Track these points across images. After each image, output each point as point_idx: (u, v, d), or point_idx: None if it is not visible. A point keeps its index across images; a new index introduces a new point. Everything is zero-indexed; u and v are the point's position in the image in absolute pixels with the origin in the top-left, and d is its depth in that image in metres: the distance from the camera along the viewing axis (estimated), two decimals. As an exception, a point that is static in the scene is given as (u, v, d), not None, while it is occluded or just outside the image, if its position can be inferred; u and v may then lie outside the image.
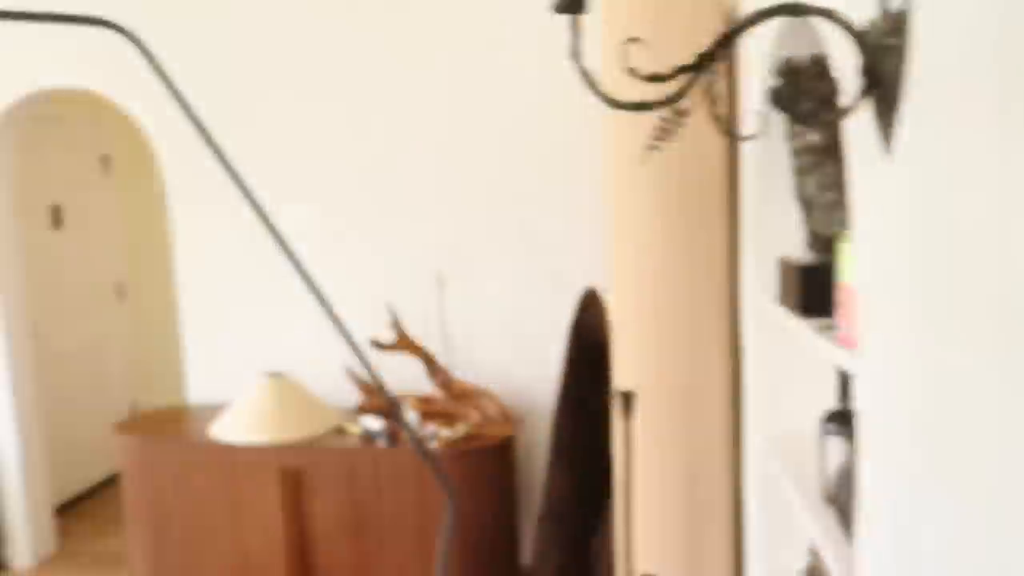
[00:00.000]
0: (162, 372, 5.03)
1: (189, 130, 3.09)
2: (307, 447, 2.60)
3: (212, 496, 2.70)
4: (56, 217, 4.10)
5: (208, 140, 1.31)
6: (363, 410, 2.85)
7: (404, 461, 2.56)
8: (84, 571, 3.49)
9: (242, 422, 2.77)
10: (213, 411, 3.11)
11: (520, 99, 2.81)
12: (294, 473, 2.61)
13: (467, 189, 2.88)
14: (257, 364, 3.14)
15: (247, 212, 3.07)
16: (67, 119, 4.17)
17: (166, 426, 2.93)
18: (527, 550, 2.94)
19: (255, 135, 3.01)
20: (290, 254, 1.39)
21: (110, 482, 4.57)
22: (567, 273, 2.85)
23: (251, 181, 2.50)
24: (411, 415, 2.65)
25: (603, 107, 0.91)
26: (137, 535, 2.82)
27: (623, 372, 1.85)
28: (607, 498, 2.09)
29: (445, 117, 2.86)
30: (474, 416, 2.68)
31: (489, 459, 2.59)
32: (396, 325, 2.72)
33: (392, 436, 2.59)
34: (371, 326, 2.97)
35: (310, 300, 3.05)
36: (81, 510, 4.18)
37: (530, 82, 2.79)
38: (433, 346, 2.82)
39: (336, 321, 1.37)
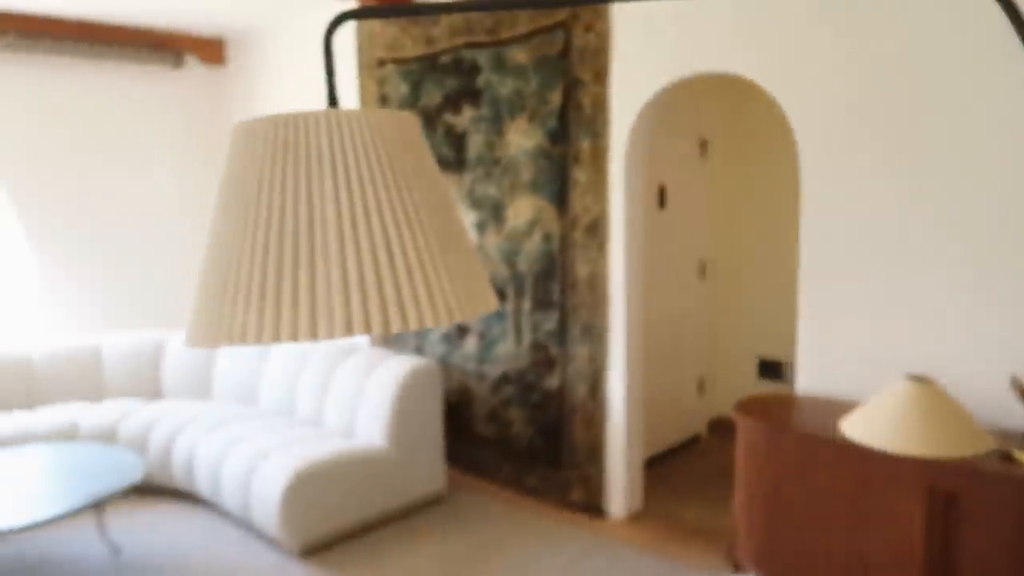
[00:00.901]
0: (729, 351, 5.13)
1: (831, 111, 2.92)
2: (964, 469, 2.23)
3: (834, 495, 2.52)
4: (662, 197, 4.40)
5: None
6: (1034, 437, 2.35)
7: (1106, 514, 2.00)
8: (667, 534, 3.69)
9: (879, 426, 2.52)
10: (823, 404, 2.94)
11: None
12: (945, 496, 2.26)
13: None
14: (878, 361, 2.86)
15: (891, 187, 2.79)
16: (674, 105, 4.43)
17: (779, 412, 2.84)
18: None
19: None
20: None
21: (679, 449, 4.83)
22: None
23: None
24: (1119, 457, 2.07)
25: None
26: (747, 514, 2.80)
27: None
28: None
29: None
30: None
31: None
32: (1101, 340, 2.15)
33: (1092, 479, 2.05)
34: None
35: (963, 298, 2.64)
36: (656, 472, 4.47)
37: None
38: None
39: None
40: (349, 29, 4.82)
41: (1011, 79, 2.48)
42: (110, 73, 5.54)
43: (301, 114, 0.94)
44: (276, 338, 0.89)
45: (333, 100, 1.00)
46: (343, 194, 0.93)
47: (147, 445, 4.17)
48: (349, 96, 4.87)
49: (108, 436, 4.24)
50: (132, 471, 3.40)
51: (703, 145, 4.74)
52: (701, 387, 5.02)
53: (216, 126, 6.13)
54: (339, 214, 0.93)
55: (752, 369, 5.05)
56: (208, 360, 4.75)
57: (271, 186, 0.94)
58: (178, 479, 4.07)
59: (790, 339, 4.75)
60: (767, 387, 4.94)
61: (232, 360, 4.68)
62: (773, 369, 4.95)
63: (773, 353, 4.93)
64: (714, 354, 5.15)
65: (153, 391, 4.76)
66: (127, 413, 4.36)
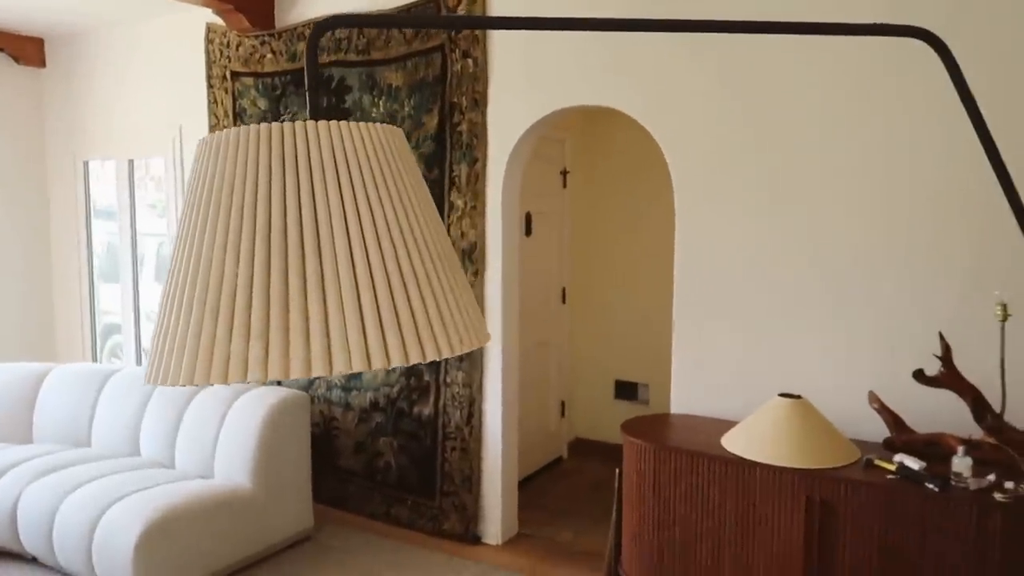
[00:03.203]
0: (587, 374, 5.28)
1: (699, 144, 3.11)
2: (837, 478, 2.43)
3: (721, 510, 2.65)
4: (528, 224, 4.47)
5: (991, 151, 1.17)
6: (890, 445, 2.60)
7: (956, 509, 2.25)
8: (544, 557, 3.70)
9: (759, 441, 2.68)
10: (700, 422, 3.09)
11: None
12: (821, 504, 2.45)
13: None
14: (747, 382, 3.06)
15: (758, 220, 3.00)
16: (544, 136, 4.54)
17: (662, 432, 2.96)
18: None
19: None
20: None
21: (544, 471, 4.88)
22: None
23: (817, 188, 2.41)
24: (964, 460, 2.34)
25: None
26: (636, 532, 2.87)
27: None
28: None
29: None
30: (1041, 472, 2.28)
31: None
32: (945, 357, 2.43)
33: (944, 479, 2.30)
34: (920, 358, 2.71)
35: (823, 321, 2.88)
36: (524, 495, 4.48)
37: None
38: (987, 387, 2.47)
39: None
40: (196, 39, 4.52)
41: (869, 126, 2.77)
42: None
43: (295, 125, 0.86)
44: (286, 374, 0.80)
45: (316, 113, 0.92)
46: (350, 211, 0.86)
47: (-45, 499, 3.60)
48: (199, 109, 4.55)
49: (-97, 491, 3.62)
50: (-54, 531, 2.92)
51: (564, 174, 4.89)
52: (562, 409, 5.13)
53: (31, 134, 5.49)
54: (347, 234, 0.85)
55: (609, 391, 5.23)
56: (26, 398, 4.21)
57: (268, 201, 0.84)
58: (-3, 536, 3.54)
59: (644, 361, 4.97)
60: (624, 407, 5.13)
61: (56, 398, 4.17)
62: (629, 390, 5.15)
63: (629, 375, 5.14)
64: (573, 377, 5.28)
65: (-42, 436, 4.13)
66: (-73, 463, 3.74)
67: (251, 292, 0.82)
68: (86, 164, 5.39)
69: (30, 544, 3.43)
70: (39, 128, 5.53)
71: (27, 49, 5.32)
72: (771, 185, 2.94)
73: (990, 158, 1.19)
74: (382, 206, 0.88)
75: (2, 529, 3.51)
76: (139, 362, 5.29)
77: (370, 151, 0.90)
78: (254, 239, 0.83)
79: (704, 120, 3.05)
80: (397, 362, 0.83)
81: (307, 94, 0.93)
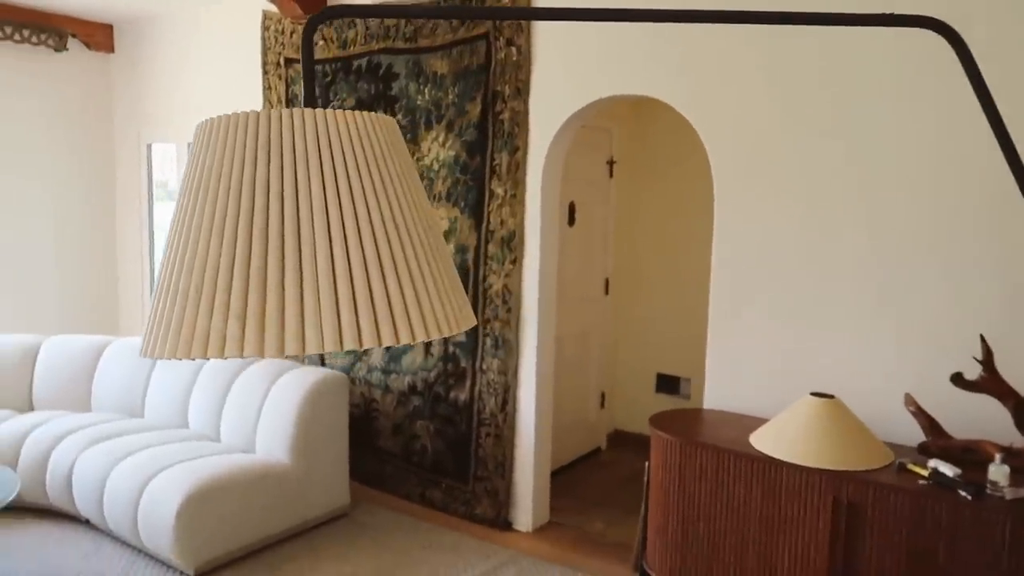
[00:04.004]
0: (629, 366, 5.26)
1: (738, 136, 3.05)
2: (867, 481, 2.37)
3: (746, 508, 2.62)
4: (572, 214, 4.47)
5: (1006, 142, 1.13)
6: (925, 450, 2.52)
7: (990, 518, 2.18)
8: (574, 546, 3.72)
9: (788, 440, 2.64)
10: (731, 418, 3.05)
11: None
12: (848, 506, 2.40)
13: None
14: (781, 379, 3.01)
15: (797, 215, 2.94)
16: (588, 124, 4.52)
17: (691, 427, 2.93)
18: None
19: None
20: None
21: (581, 461, 4.89)
22: None
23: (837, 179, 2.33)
24: (1001, 468, 2.26)
25: None
26: (661, 526, 2.86)
27: None
28: None
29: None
30: (1084, 485, 2.19)
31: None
32: (986, 361, 2.34)
33: (978, 487, 2.23)
34: (961, 360, 2.62)
35: (861, 319, 2.81)
36: (559, 483, 4.50)
37: None
38: (1028, 391, 2.37)
39: None
40: (253, 26, 4.63)
41: (916, 118, 2.68)
42: (-19, 54, 5.08)
43: (283, 112, 0.88)
44: (260, 352, 0.83)
45: (311, 101, 0.94)
46: (331, 199, 0.88)
47: (17, 460, 3.81)
48: (254, 95, 4.68)
49: (-29, 451, 3.86)
50: (4, 489, 3.10)
51: (610, 164, 4.85)
52: (602, 401, 5.12)
53: (100, 116, 5.72)
54: (327, 220, 0.87)
55: (650, 384, 5.19)
56: (86, 369, 4.41)
57: (252, 187, 0.87)
58: (54, 497, 3.74)
59: (687, 355, 4.92)
60: (664, 401, 5.09)
61: (114, 369, 4.36)
62: (670, 384, 5.11)
63: (670, 368, 5.09)
64: (614, 368, 5.26)
65: (23, 401, 4.37)
66: (-7, 426, 3.98)
67: (232, 274, 0.85)
68: (149, 147, 5.59)
69: (83, 507, 3.61)
70: (108, 111, 5.76)
71: (97, 35, 5.54)
72: (811, 180, 2.88)
73: (1005, 152, 1.15)
74: (364, 194, 0.90)
75: (59, 492, 3.71)
76: (194, 338, 5.48)
77: (355, 140, 0.92)
78: (237, 223, 0.86)
79: (744, 111, 2.99)
80: (369, 344, 0.85)
81: (303, 83, 0.96)
